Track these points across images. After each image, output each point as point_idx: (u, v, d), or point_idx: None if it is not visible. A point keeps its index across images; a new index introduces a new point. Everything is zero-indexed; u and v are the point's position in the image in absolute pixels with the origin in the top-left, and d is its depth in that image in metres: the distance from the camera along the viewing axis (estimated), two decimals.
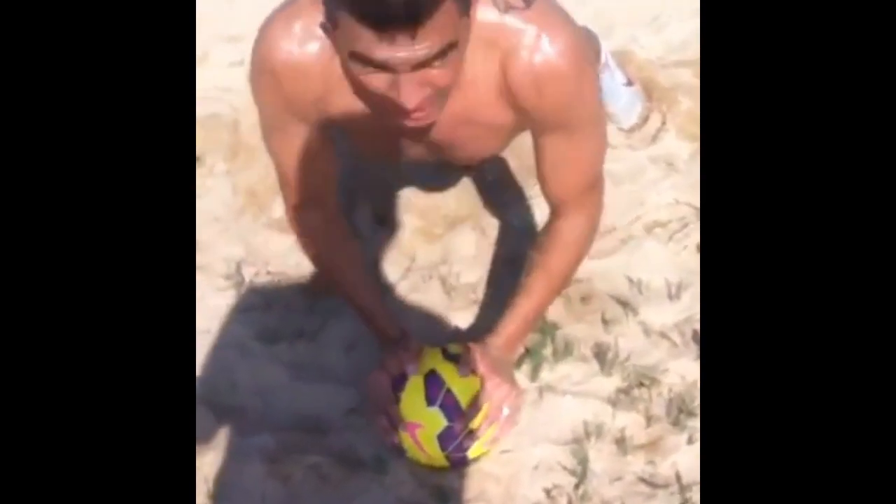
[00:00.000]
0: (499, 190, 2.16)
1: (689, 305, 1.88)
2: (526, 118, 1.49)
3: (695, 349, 1.80)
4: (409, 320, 1.84)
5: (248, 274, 2.03)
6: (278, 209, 2.19)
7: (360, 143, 1.68)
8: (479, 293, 1.95)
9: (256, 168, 2.28)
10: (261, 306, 1.95)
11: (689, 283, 1.92)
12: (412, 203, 2.13)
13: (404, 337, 1.73)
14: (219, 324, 1.91)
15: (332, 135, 1.59)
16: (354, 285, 1.74)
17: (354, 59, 1.28)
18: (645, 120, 2.34)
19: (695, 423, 1.68)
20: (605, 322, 1.86)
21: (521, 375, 1.76)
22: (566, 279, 1.71)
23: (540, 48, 1.38)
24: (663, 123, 2.33)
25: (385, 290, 1.96)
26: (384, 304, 1.78)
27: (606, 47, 2.36)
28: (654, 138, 2.30)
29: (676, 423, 1.70)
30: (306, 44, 1.43)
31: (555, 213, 1.64)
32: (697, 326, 1.82)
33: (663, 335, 1.84)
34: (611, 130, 2.29)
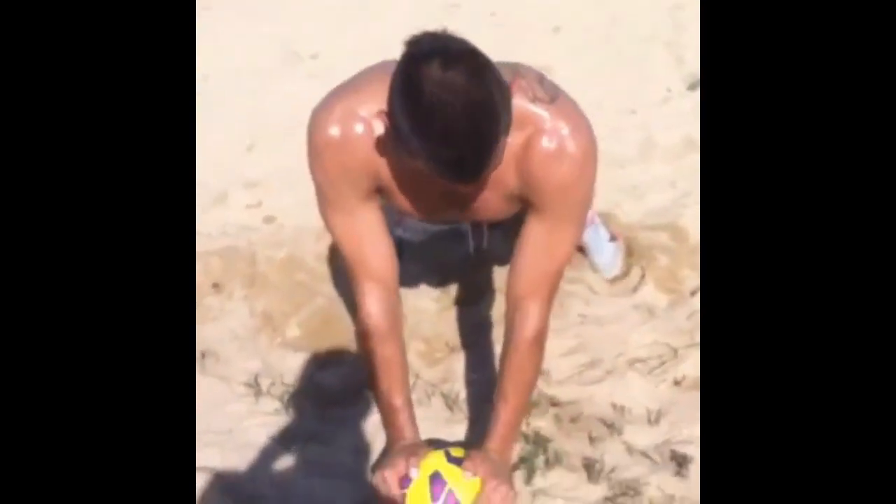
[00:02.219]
0: (491, 322, 2.38)
1: (667, 430, 2.08)
2: (529, 190, 1.71)
3: (673, 466, 1.98)
4: None
5: (265, 384, 2.20)
6: (291, 331, 2.40)
7: (403, 202, 1.84)
8: (480, 408, 2.13)
9: (271, 295, 2.50)
10: (277, 412, 2.12)
11: (666, 411, 2.12)
12: (417, 330, 2.34)
13: (416, 443, 1.88)
14: (239, 426, 2.07)
15: (381, 206, 1.80)
16: (392, 381, 1.85)
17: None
18: (626, 272, 2.59)
19: None
20: (591, 439, 2.05)
21: (518, 480, 1.93)
22: (534, 376, 1.86)
23: (558, 134, 1.64)
24: (643, 277, 2.58)
25: None
26: (409, 408, 1.90)
27: (593, 207, 2.64)
28: (635, 289, 2.54)
29: None
30: (353, 123, 1.67)
31: (514, 311, 1.81)
32: (675, 447, 2.01)
33: (644, 454, 2.02)
34: (596, 279, 2.54)
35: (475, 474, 1.80)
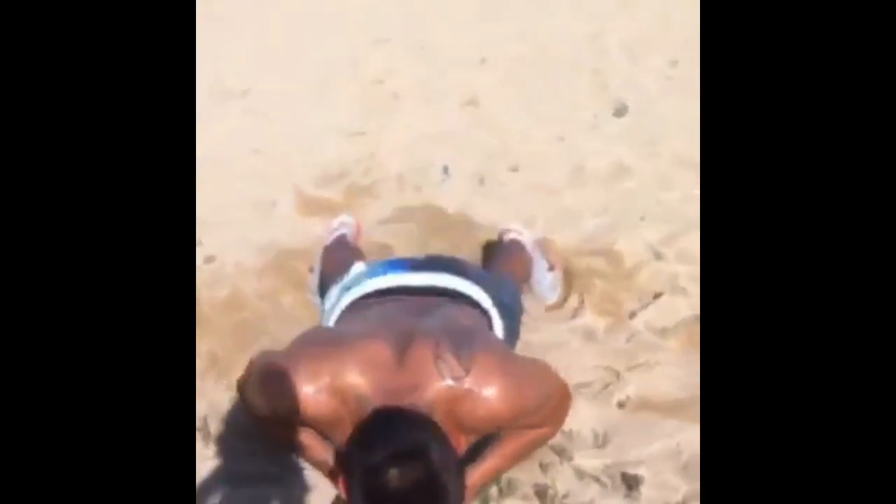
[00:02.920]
0: None
1: (615, 453, 2.12)
2: (488, 433, 1.89)
3: (623, 489, 2.02)
4: None
5: (213, 427, 2.19)
6: (237, 372, 2.39)
7: None
8: None
9: (217, 337, 2.49)
10: (226, 454, 2.12)
11: (613, 434, 2.17)
12: None
13: None
14: None
15: None
16: (309, 438, 1.93)
17: None
18: (565, 299, 2.65)
19: None
20: (542, 466, 2.08)
21: None
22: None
23: (480, 399, 1.79)
24: (581, 302, 2.63)
25: None
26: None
27: (532, 236, 2.70)
28: (575, 315, 2.60)
29: None
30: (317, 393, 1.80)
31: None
32: (625, 469, 2.06)
33: (594, 478, 2.06)
34: (537, 307, 2.59)
35: None
